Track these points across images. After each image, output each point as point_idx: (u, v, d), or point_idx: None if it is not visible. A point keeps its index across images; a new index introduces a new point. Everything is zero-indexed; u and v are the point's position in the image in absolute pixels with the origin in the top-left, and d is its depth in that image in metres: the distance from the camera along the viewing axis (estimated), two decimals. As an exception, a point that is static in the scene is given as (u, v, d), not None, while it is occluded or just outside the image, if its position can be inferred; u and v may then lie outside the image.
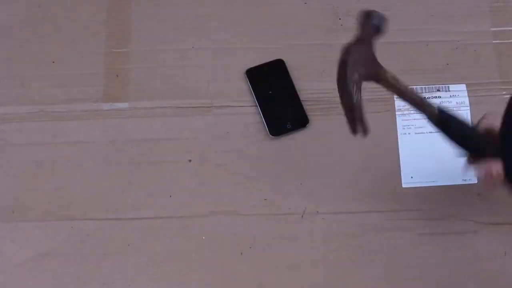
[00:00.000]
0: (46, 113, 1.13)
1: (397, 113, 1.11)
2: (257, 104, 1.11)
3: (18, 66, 1.15)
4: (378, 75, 0.85)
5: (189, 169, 1.10)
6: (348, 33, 1.15)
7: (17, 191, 1.08)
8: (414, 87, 1.12)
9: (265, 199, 1.08)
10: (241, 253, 1.05)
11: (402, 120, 1.10)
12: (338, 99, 1.12)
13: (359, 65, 0.83)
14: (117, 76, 1.15)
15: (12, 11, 1.18)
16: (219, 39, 1.17)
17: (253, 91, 1.12)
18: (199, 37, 1.17)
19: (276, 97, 1.12)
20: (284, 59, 1.15)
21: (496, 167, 0.78)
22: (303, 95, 1.12)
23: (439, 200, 1.07)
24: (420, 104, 0.84)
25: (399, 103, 1.11)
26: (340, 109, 1.10)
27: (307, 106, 1.12)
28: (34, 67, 1.15)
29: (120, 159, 1.10)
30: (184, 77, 1.15)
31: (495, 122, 0.78)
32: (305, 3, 1.19)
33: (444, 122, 0.84)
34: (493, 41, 1.15)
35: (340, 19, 1.18)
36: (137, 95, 1.14)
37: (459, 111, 1.10)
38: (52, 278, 1.04)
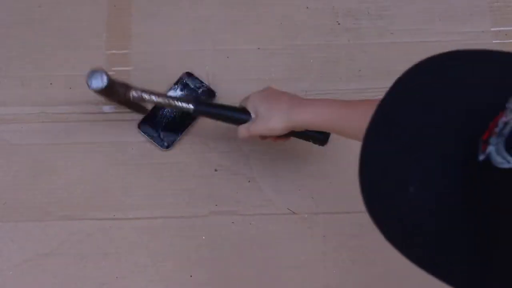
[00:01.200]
0: (47, 114, 1.13)
1: (397, 113, 1.11)
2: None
3: (18, 66, 1.15)
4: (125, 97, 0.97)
5: (189, 169, 1.10)
6: (347, 33, 1.17)
7: (17, 191, 1.08)
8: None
9: (265, 199, 1.08)
10: (241, 253, 1.05)
11: (402, 120, 1.10)
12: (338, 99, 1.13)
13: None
14: (117, 77, 1.15)
15: (12, 11, 1.19)
16: (219, 39, 1.17)
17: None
18: (199, 38, 1.17)
19: None
20: (284, 59, 1.15)
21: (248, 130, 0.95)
22: (303, 95, 1.12)
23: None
24: (176, 107, 0.99)
25: (399, 103, 1.11)
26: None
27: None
28: (34, 67, 1.15)
29: (120, 160, 1.10)
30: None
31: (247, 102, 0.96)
32: (307, 7, 1.19)
33: (204, 112, 1.00)
34: (493, 41, 1.15)
35: (339, 19, 1.18)
36: (138, 96, 1.14)
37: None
38: (52, 278, 1.04)
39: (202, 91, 1.13)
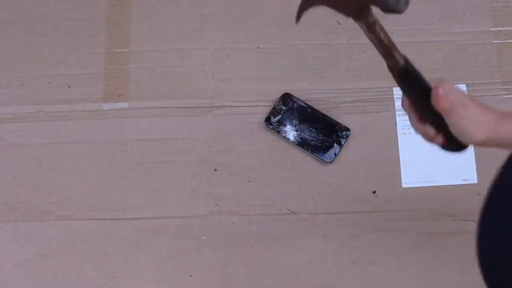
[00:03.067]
0: (46, 113, 1.13)
1: (397, 113, 1.11)
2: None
3: (18, 66, 1.15)
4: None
5: (189, 169, 1.10)
6: (347, 33, 1.16)
7: (17, 191, 1.08)
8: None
9: (265, 199, 1.08)
10: (241, 253, 1.05)
11: (402, 120, 1.10)
12: (338, 99, 1.13)
13: None
14: (117, 76, 1.15)
15: (12, 11, 1.18)
16: (219, 39, 1.17)
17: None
18: (199, 37, 1.17)
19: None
20: (284, 59, 1.15)
21: (435, 136, 0.82)
22: (303, 95, 1.12)
23: (439, 200, 1.07)
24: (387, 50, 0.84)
25: (399, 103, 1.11)
26: (340, 109, 1.12)
27: (306, 107, 1.12)
28: (34, 67, 1.15)
29: (120, 159, 1.10)
30: (184, 77, 1.15)
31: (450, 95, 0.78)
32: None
33: (406, 75, 0.84)
34: (493, 41, 1.15)
35: (339, 19, 1.17)
36: (137, 95, 1.14)
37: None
38: (52, 278, 1.04)
39: None
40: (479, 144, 0.77)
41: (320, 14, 1.18)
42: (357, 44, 1.15)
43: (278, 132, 1.09)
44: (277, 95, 1.12)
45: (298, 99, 1.11)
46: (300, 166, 1.09)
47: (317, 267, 1.04)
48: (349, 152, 1.09)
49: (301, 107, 1.11)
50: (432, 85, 0.81)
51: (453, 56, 1.15)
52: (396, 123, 1.11)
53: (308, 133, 1.10)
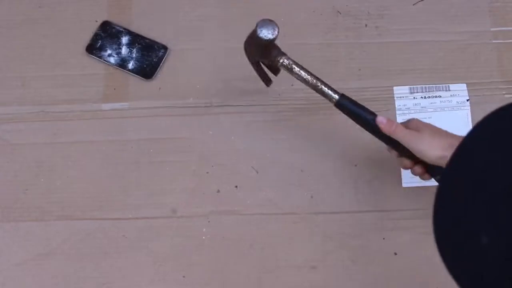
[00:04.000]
0: (47, 113, 1.13)
1: (397, 112, 1.11)
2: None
3: (18, 66, 1.16)
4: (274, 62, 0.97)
5: (189, 169, 1.10)
6: (347, 33, 1.17)
7: (17, 191, 1.08)
8: (415, 86, 1.12)
9: (265, 199, 1.07)
10: (241, 253, 1.05)
11: (402, 119, 1.10)
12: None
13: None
14: (117, 76, 1.15)
15: (12, 11, 1.19)
16: (218, 38, 1.17)
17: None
18: (198, 37, 1.17)
19: None
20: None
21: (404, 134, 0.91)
22: (302, 94, 1.12)
23: (439, 200, 1.07)
24: (321, 91, 0.96)
25: (399, 103, 1.12)
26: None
27: (307, 105, 1.12)
28: (35, 67, 1.15)
29: (120, 159, 1.10)
30: (184, 76, 1.15)
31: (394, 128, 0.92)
32: (307, 6, 1.19)
33: (345, 108, 0.95)
34: (493, 41, 1.15)
35: (339, 19, 1.18)
36: (137, 95, 1.14)
37: (459, 111, 1.10)
38: (52, 278, 1.04)
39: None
40: (437, 162, 0.87)
41: (320, 13, 1.19)
42: (357, 43, 1.16)
43: (100, 57, 1.15)
44: (277, 94, 1.12)
45: (118, 25, 1.17)
46: (300, 166, 1.09)
47: (317, 267, 1.04)
48: (349, 152, 1.09)
49: (119, 31, 1.17)
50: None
51: (453, 56, 1.15)
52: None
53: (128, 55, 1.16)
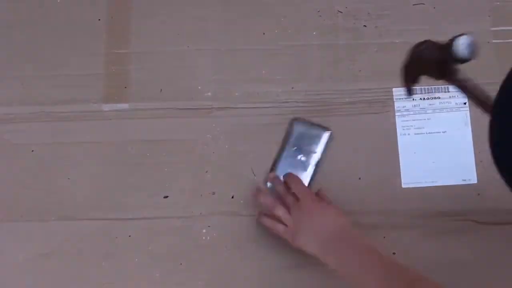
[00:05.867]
0: (47, 114, 1.13)
1: (396, 113, 1.11)
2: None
3: (18, 66, 1.15)
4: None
5: (189, 169, 1.10)
6: (348, 33, 1.16)
7: (17, 191, 1.09)
8: (414, 87, 1.12)
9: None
10: (241, 253, 1.05)
11: (401, 120, 1.10)
12: (338, 100, 1.13)
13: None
14: (118, 77, 1.15)
15: (12, 11, 1.18)
16: (219, 39, 1.17)
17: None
18: (199, 38, 1.17)
19: None
20: (284, 59, 1.15)
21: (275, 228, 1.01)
22: (303, 95, 1.12)
23: (439, 200, 1.07)
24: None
25: (398, 104, 1.12)
26: (340, 110, 1.12)
27: (307, 107, 1.12)
28: (35, 67, 1.15)
29: (120, 160, 1.10)
30: (184, 78, 1.15)
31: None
32: (307, 7, 1.19)
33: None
34: (493, 41, 1.15)
35: (339, 19, 1.18)
36: (138, 96, 1.14)
37: (458, 112, 1.10)
38: (52, 278, 1.05)
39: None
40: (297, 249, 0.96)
41: (320, 14, 1.19)
42: (357, 44, 1.16)
43: None
44: (277, 96, 1.13)
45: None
46: (300, 166, 1.09)
47: (317, 267, 1.04)
48: (349, 152, 1.09)
49: None
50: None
51: (453, 56, 1.14)
52: (395, 124, 1.11)
53: None
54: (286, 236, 0.98)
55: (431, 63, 0.87)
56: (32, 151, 1.11)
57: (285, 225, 0.99)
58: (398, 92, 1.12)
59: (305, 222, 0.96)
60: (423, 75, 0.90)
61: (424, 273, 1.03)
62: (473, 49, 0.84)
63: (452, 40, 0.85)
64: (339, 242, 0.93)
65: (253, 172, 1.09)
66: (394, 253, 1.04)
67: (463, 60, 0.84)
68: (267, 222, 1.01)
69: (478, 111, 1.09)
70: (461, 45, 0.84)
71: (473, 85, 0.86)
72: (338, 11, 1.18)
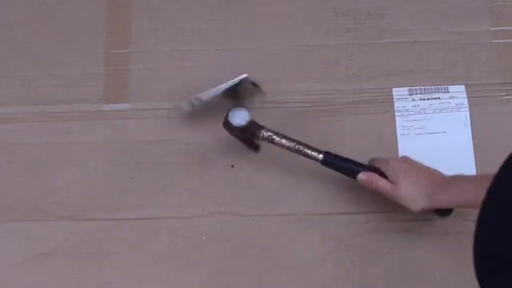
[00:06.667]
0: (46, 114, 1.13)
1: (396, 114, 1.11)
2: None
3: (18, 66, 1.15)
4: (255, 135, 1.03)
5: (189, 169, 1.10)
6: (347, 33, 1.17)
7: (17, 191, 1.09)
8: (414, 88, 1.12)
9: (265, 199, 1.08)
10: (241, 253, 1.05)
11: (401, 121, 1.10)
12: (338, 100, 1.13)
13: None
14: (118, 76, 1.15)
15: (12, 11, 1.18)
16: (219, 39, 1.17)
17: None
18: (199, 38, 1.17)
19: None
20: (284, 59, 1.15)
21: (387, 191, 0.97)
22: (302, 96, 1.12)
23: (439, 200, 1.07)
24: (305, 155, 1.02)
25: (398, 104, 1.12)
26: (340, 110, 1.12)
27: (307, 108, 1.12)
28: (34, 67, 1.15)
29: (120, 160, 1.10)
30: (184, 78, 1.15)
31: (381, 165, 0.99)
32: (307, 7, 1.18)
33: (332, 164, 1.02)
34: (493, 41, 1.15)
35: (339, 19, 1.18)
36: (138, 96, 1.14)
37: (458, 112, 1.10)
38: (52, 278, 1.05)
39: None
40: (420, 212, 0.95)
41: (320, 14, 1.19)
42: (357, 44, 1.16)
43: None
44: (277, 96, 1.13)
45: None
46: (300, 166, 1.09)
47: (317, 267, 1.04)
48: (349, 152, 1.10)
49: None
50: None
51: (453, 56, 1.14)
52: (395, 124, 1.11)
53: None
54: (388, 188, 0.97)
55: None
56: (32, 151, 1.11)
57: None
58: (398, 92, 1.12)
59: (407, 175, 0.96)
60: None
61: (424, 273, 1.03)
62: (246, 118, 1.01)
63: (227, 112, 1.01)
64: (447, 183, 0.93)
65: (254, 171, 1.09)
66: (394, 254, 1.04)
67: (240, 129, 1.01)
68: (368, 176, 0.99)
69: (478, 111, 1.10)
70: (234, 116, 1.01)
71: (281, 137, 1.02)
72: (338, 11, 1.18)
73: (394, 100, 1.11)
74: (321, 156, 1.01)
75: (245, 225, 1.07)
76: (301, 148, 1.02)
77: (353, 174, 1.01)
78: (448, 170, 1.07)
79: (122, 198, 1.08)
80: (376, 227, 1.06)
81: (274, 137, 1.02)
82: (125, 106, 1.13)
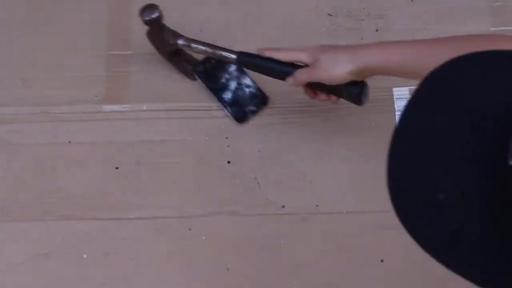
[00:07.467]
0: (47, 114, 1.13)
1: (396, 113, 1.11)
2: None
3: (19, 66, 1.16)
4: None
5: (189, 170, 1.10)
6: (348, 33, 1.17)
7: (17, 191, 1.09)
8: (414, 87, 1.12)
9: (265, 199, 1.08)
10: (241, 253, 1.05)
11: (401, 120, 1.10)
12: (338, 100, 1.13)
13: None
14: (118, 77, 1.15)
15: (12, 11, 1.19)
16: (219, 40, 1.17)
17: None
18: (199, 38, 1.17)
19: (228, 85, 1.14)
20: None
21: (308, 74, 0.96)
22: (303, 96, 1.12)
23: (439, 200, 1.07)
24: (220, 56, 1.05)
25: (398, 104, 1.12)
26: (340, 110, 1.12)
27: (307, 108, 1.12)
28: (35, 68, 1.16)
29: (120, 160, 1.10)
30: (184, 78, 1.15)
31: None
32: (307, 7, 1.19)
33: (247, 63, 1.04)
34: (493, 41, 1.15)
35: (339, 19, 1.18)
36: (138, 97, 1.14)
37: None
38: (52, 278, 1.05)
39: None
40: (345, 80, 0.93)
41: (320, 14, 1.19)
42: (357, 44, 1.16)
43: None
44: (277, 97, 1.13)
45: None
46: (300, 166, 1.09)
47: (317, 267, 1.04)
48: (349, 152, 1.10)
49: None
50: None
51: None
52: (395, 124, 1.10)
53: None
54: (309, 70, 0.95)
55: None
56: (33, 151, 1.11)
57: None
58: (398, 92, 1.12)
59: (325, 50, 0.95)
60: None
61: (423, 273, 1.03)
62: None
63: None
64: (366, 48, 0.93)
65: (254, 171, 1.09)
66: (394, 254, 1.04)
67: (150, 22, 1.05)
68: (292, 79, 0.98)
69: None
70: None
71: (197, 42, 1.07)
72: (338, 11, 1.18)
73: (395, 99, 1.12)
74: (234, 56, 1.03)
75: (245, 225, 1.07)
76: (217, 51, 1.04)
77: (276, 74, 1.01)
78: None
79: (122, 198, 1.08)
80: (376, 227, 1.06)
81: (191, 43, 1.05)
82: (126, 107, 1.13)
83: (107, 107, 1.14)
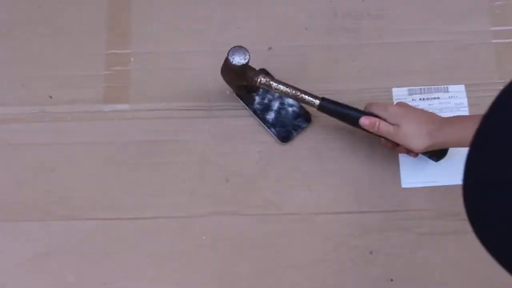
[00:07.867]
0: (47, 114, 1.13)
1: (396, 113, 1.11)
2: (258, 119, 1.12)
3: (18, 66, 1.16)
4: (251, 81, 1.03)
5: (189, 170, 1.10)
6: (348, 34, 1.17)
7: (17, 191, 1.09)
8: (413, 88, 1.12)
9: (265, 199, 1.08)
10: (241, 253, 1.05)
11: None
12: (338, 100, 1.13)
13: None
14: (118, 77, 1.15)
15: (12, 11, 1.19)
16: (219, 40, 1.17)
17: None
18: (199, 38, 1.17)
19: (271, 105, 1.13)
20: (284, 59, 1.15)
21: (389, 133, 0.98)
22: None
23: (439, 200, 1.07)
24: (302, 100, 1.03)
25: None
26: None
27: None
28: (35, 67, 1.15)
29: (120, 160, 1.10)
30: (185, 78, 1.15)
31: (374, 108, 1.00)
32: (307, 7, 1.19)
33: (328, 110, 1.03)
34: (493, 41, 1.15)
35: (339, 19, 1.18)
36: (138, 96, 1.14)
37: (458, 112, 1.10)
38: (52, 278, 1.05)
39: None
40: (422, 151, 0.98)
41: (320, 14, 1.19)
42: (357, 45, 1.16)
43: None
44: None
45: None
46: (300, 166, 1.09)
47: (317, 267, 1.04)
48: (349, 152, 1.10)
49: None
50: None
51: (453, 56, 1.15)
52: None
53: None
54: (389, 129, 0.98)
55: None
56: (32, 151, 1.11)
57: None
58: (398, 92, 1.12)
59: (407, 117, 0.97)
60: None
61: (423, 273, 1.03)
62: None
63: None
64: (448, 125, 0.95)
65: (254, 171, 1.09)
66: (394, 254, 1.04)
67: (239, 69, 1.00)
68: (369, 119, 0.99)
69: (478, 111, 1.10)
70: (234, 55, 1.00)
71: (278, 82, 1.02)
72: (338, 12, 1.18)
73: (394, 100, 1.12)
74: (317, 101, 1.01)
75: (245, 225, 1.07)
76: (299, 93, 1.02)
77: (352, 120, 1.01)
78: (448, 169, 1.07)
79: (122, 198, 1.08)
80: (376, 227, 1.06)
81: (271, 82, 1.02)
82: (125, 106, 1.13)
83: (107, 107, 1.13)
